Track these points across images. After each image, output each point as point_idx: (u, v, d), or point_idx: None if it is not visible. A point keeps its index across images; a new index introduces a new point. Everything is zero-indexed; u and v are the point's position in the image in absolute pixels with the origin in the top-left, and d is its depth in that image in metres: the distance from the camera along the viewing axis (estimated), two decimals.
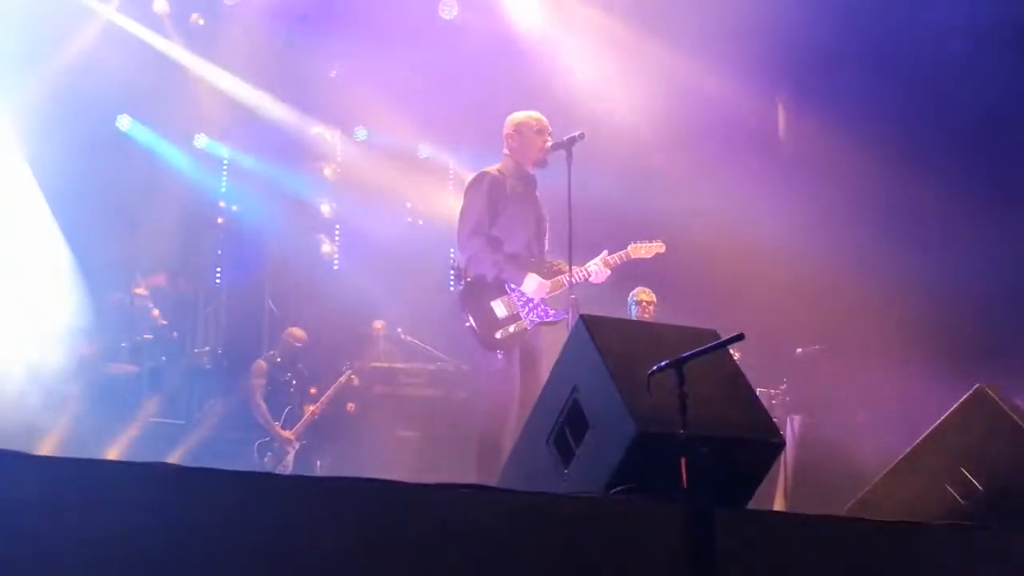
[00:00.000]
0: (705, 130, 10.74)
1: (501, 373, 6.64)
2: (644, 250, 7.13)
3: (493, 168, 6.99)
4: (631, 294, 9.66)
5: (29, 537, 2.93)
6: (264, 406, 10.90)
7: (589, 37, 11.19)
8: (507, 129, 7.10)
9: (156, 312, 11.17)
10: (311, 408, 10.97)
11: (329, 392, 11.00)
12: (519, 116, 7.13)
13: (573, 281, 6.85)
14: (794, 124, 10.46)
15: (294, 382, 11.22)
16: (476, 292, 6.73)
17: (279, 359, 11.29)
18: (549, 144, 6.94)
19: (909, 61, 9.78)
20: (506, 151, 7.08)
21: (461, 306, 6.76)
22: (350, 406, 11.16)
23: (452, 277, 6.99)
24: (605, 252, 7.02)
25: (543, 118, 7.09)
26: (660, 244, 7.23)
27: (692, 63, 10.63)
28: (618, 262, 7.05)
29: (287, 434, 10.75)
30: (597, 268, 6.93)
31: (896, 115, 9.90)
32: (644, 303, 9.63)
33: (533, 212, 6.98)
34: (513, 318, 6.67)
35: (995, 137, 9.54)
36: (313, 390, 11.29)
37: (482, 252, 6.73)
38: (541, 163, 7.03)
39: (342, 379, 11.06)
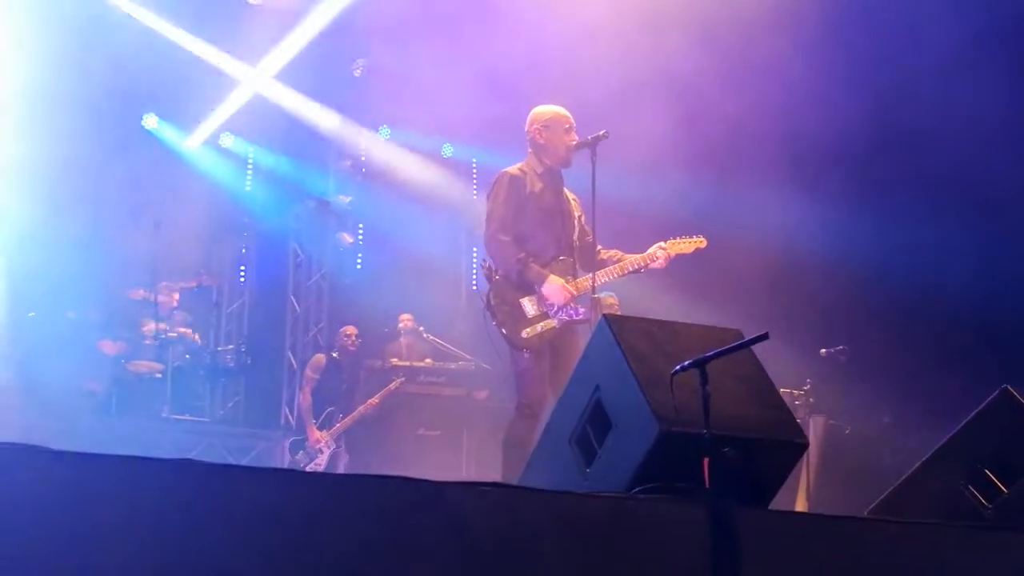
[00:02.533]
0: (728, 132, 10.73)
1: (529, 372, 6.58)
2: (684, 245, 6.93)
3: (515, 167, 6.89)
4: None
5: (53, 533, 2.95)
6: (310, 401, 10.94)
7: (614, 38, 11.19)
8: (534, 124, 6.93)
9: (177, 314, 11.24)
10: (353, 412, 10.97)
11: (374, 399, 10.98)
12: (547, 112, 6.96)
13: (628, 271, 6.80)
14: (816, 126, 10.40)
15: (344, 385, 11.23)
16: (503, 291, 6.68)
17: (338, 358, 11.32)
18: (575, 143, 6.86)
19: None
20: (530, 148, 6.94)
21: (488, 305, 6.71)
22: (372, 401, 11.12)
23: (475, 276, 6.90)
24: (660, 243, 6.89)
25: (570, 115, 6.94)
26: (701, 239, 6.99)
27: (719, 64, 10.62)
28: (670, 255, 6.88)
29: (321, 435, 10.78)
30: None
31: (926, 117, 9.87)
32: (610, 306, 9.60)
33: (559, 209, 6.86)
34: (542, 316, 6.60)
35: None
36: None
37: (507, 251, 6.66)
38: (567, 162, 6.90)
39: (391, 386, 11.02)
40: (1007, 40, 9.38)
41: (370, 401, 10.95)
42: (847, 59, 10.20)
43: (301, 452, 10.70)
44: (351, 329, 11.63)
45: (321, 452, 10.73)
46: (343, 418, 10.94)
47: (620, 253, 6.89)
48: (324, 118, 13.22)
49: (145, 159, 12.50)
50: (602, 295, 9.53)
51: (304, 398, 11.03)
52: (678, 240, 6.93)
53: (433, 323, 12.19)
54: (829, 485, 8.97)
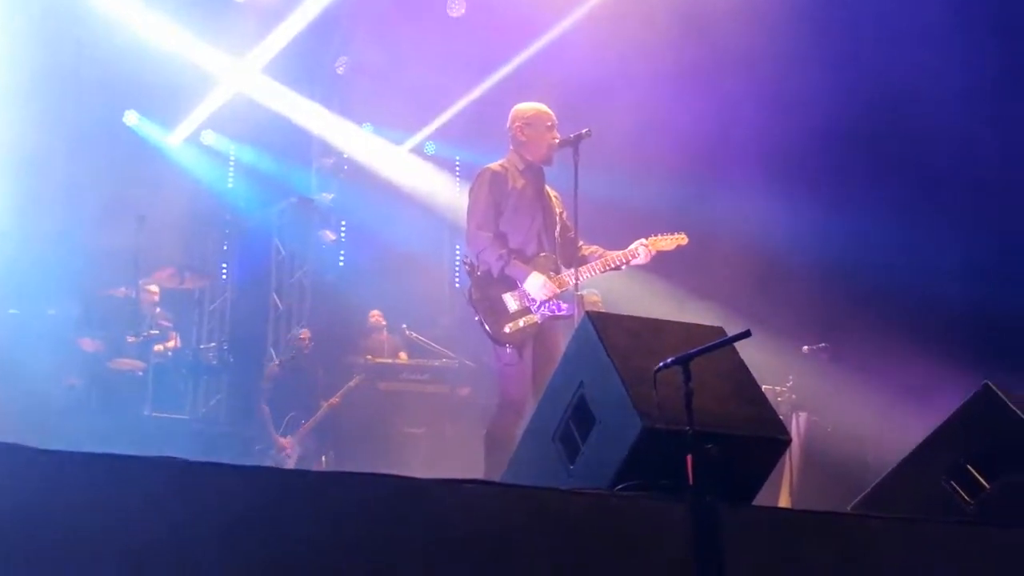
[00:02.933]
0: (711, 129, 10.74)
1: (512, 368, 6.57)
2: (665, 242, 6.90)
3: (496, 164, 6.90)
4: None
5: (33, 532, 2.93)
6: (267, 410, 11.00)
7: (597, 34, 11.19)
8: (516, 122, 6.93)
9: (159, 311, 11.19)
10: (316, 413, 11.01)
11: (334, 398, 11.01)
12: (528, 109, 6.96)
13: (610, 268, 6.79)
14: (800, 123, 10.41)
15: (302, 387, 11.25)
16: (485, 286, 6.68)
17: (288, 363, 11.34)
18: (557, 141, 6.86)
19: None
20: (511, 145, 6.95)
21: (470, 300, 6.72)
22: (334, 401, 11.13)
23: (458, 273, 6.89)
24: (642, 239, 6.87)
25: (552, 112, 6.94)
26: (682, 236, 6.94)
27: (702, 62, 10.63)
28: (652, 252, 6.84)
29: (284, 441, 10.80)
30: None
31: (907, 114, 9.89)
32: (593, 303, 9.64)
33: (540, 206, 6.87)
34: (524, 312, 6.60)
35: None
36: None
37: (489, 247, 6.67)
38: (548, 160, 6.90)
39: (351, 383, 11.05)
40: (994, 31, 9.40)
41: (331, 401, 11.00)
42: (833, 55, 10.21)
43: (267, 460, 10.71)
44: (305, 332, 11.76)
45: (288, 458, 10.76)
46: (305, 422, 10.98)
47: (601, 249, 6.89)
48: (307, 115, 13.20)
49: (126, 156, 12.44)
50: (585, 292, 9.57)
51: (262, 408, 11.07)
52: (659, 237, 6.91)
53: (416, 320, 12.18)
54: (812, 481, 8.98)
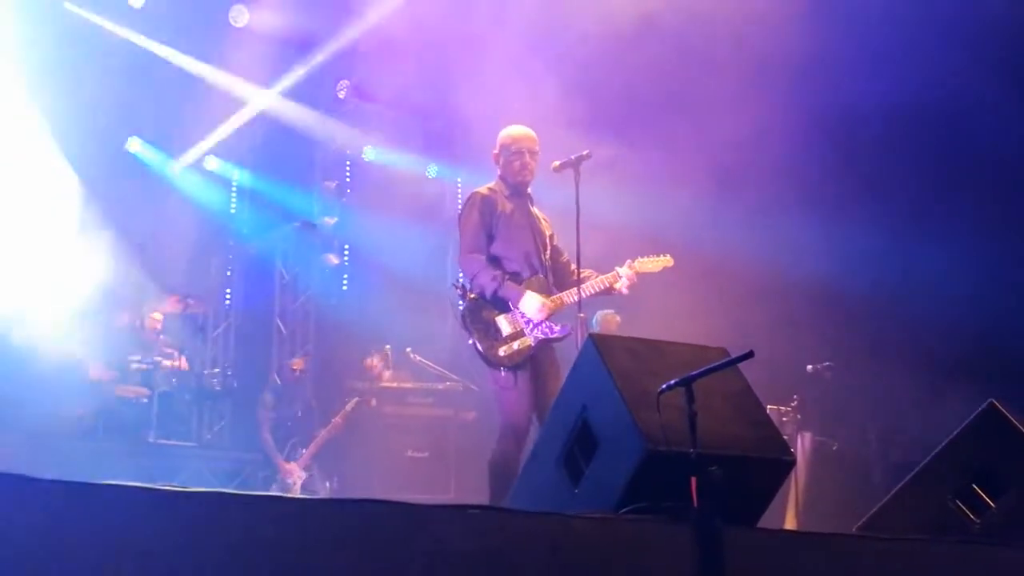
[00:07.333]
0: (709, 146, 10.73)
1: (509, 392, 6.57)
2: (651, 264, 6.98)
3: (485, 188, 6.94)
4: (596, 316, 9.72)
5: (34, 563, 2.92)
6: (270, 439, 11.00)
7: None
8: (495, 146, 7.01)
9: (162, 338, 11.20)
10: (317, 437, 10.99)
11: (336, 420, 10.99)
12: (504, 134, 7.01)
13: (597, 291, 6.82)
14: (804, 146, 10.40)
15: (299, 413, 11.27)
16: (479, 310, 6.68)
17: (284, 391, 11.36)
18: (528, 167, 6.88)
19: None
20: (498, 168, 7.00)
21: (464, 324, 6.72)
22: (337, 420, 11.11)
23: (458, 296, 6.88)
24: (629, 261, 6.94)
25: (524, 137, 6.94)
26: (668, 258, 7.04)
27: (710, 83, 10.64)
28: (637, 273, 6.91)
29: (290, 467, 10.79)
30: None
31: (912, 132, 9.90)
32: (611, 323, 9.69)
33: (529, 229, 6.90)
34: (517, 335, 6.60)
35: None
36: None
37: (482, 271, 6.69)
38: (522, 185, 6.94)
39: (348, 407, 11.03)
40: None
41: (335, 421, 10.96)
42: (828, 71, 10.20)
43: (274, 485, 10.69)
44: (298, 362, 11.86)
45: (294, 484, 10.74)
46: (305, 449, 10.98)
47: (594, 273, 6.91)
48: (308, 139, 13.23)
49: (129, 182, 12.46)
50: (606, 313, 9.63)
51: (265, 437, 11.05)
52: (645, 259, 6.97)
53: (420, 344, 12.16)
54: (818, 502, 8.96)
